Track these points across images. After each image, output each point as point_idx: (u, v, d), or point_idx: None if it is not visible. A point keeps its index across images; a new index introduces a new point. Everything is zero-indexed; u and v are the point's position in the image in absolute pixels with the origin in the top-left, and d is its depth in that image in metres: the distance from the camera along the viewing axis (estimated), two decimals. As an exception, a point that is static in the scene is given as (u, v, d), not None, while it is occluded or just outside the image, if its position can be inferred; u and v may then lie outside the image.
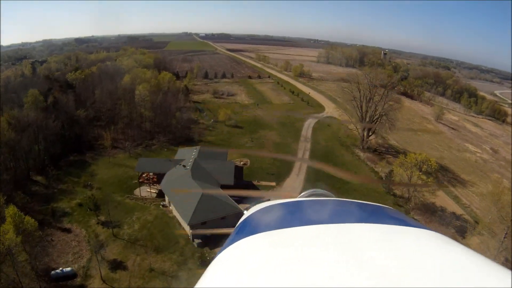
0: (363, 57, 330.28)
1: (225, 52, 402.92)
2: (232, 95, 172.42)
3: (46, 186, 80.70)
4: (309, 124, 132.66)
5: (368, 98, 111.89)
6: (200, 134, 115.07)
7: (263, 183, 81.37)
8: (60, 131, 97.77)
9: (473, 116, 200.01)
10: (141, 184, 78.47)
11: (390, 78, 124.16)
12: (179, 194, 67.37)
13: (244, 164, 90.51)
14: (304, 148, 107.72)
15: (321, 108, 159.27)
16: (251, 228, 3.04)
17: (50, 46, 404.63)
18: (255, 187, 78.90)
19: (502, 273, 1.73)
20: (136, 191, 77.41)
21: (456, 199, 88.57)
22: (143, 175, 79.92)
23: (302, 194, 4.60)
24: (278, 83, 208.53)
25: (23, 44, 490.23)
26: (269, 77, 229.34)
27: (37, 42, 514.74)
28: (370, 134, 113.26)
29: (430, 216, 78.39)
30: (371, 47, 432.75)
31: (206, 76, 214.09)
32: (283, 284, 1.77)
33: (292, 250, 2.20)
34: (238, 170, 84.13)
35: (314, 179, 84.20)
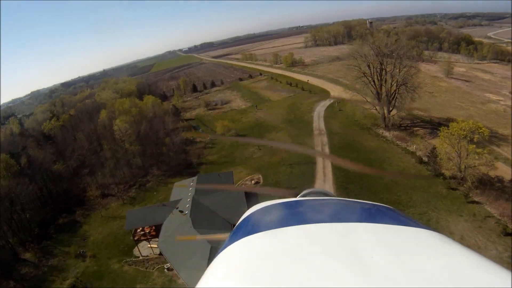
0: (350, 32, 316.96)
1: (211, 60, 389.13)
2: (227, 102, 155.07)
3: (36, 265, 65.51)
4: (318, 114, 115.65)
5: (379, 70, 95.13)
6: (199, 155, 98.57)
7: (283, 204, 64.21)
8: (43, 193, 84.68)
9: (478, 63, 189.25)
10: (137, 241, 61.89)
11: (398, 41, 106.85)
12: (182, 254, 49.61)
13: (257, 182, 73.90)
14: (321, 142, 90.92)
15: (325, 93, 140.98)
16: (251, 227, 3.15)
17: (38, 97, 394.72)
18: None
19: (501, 273, 1.77)
20: (136, 251, 61.26)
21: (507, 162, 72.50)
22: (138, 231, 63.19)
23: (301, 193, 4.96)
24: (272, 78, 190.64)
25: (13, 101, 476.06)
26: (260, 74, 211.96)
27: (25, 95, 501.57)
28: (391, 109, 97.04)
29: (491, 192, 62.32)
30: (353, 20, 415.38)
31: (194, 89, 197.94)
32: (283, 283, 1.81)
33: (291, 249, 2.34)
34: (251, 192, 67.40)
35: (344, 183, 70.20)
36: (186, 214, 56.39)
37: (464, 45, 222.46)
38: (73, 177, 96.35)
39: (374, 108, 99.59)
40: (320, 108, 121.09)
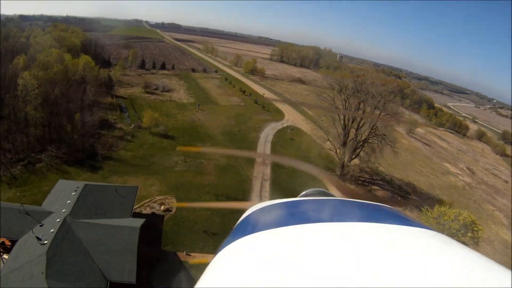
0: (318, 59, 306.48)
1: (172, 41, 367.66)
2: (168, 90, 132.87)
3: None
4: (266, 137, 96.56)
5: (355, 110, 78.03)
6: (111, 146, 76.38)
7: (196, 257, 43.51)
8: None
9: (435, 128, 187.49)
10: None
11: (391, 82, 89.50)
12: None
13: (168, 210, 53.38)
14: (262, 176, 71.25)
15: (279, 114, 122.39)
16: (251, 226, 3.09)
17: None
18: (180, 266, 41.64)
19: (502, 273, 1.78)
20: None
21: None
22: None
23: (302, 193, 4.90)
24: (226, 79, 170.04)
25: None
26: (216, 71, 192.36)
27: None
28: (353, 157, 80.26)
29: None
30: (325, 49, 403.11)
31: (142, 65, 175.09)
32: (283, 282, 1.82)
33: (291, 249, 2.35)
34: (154, 224, 47.56)
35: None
36: (45, 244, 34.55)
37: (425, 107, 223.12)
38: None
39: (334, 150, 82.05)
40: (270, 130, 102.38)
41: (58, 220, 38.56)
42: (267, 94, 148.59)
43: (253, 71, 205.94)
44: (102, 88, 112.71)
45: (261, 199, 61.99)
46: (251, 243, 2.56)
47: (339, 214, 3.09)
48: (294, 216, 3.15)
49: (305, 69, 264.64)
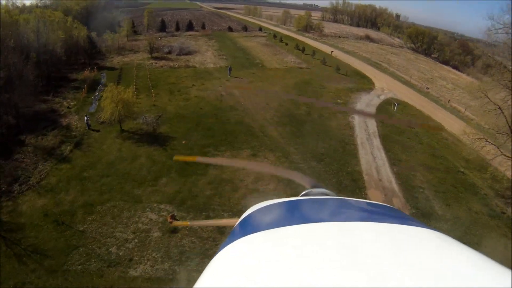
0: (375, 18, 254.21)
1: (210, 9, 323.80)
2: (188, 53, 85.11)
3: None
4: (365, 125, 46.40)
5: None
6: (17, 178, 29.41)
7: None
8: None
9: None
10: None
11: None
12: None
13: None
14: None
15: (364, 79, 72.00)
16: (251, 226, 2.97)
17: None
18: None
19: (502, 272, 1.73)
20: None
21: None
22: None
23: (302, 193, 4.68)
24: (275, 36, 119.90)
25: None
26: (260, 29, 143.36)
27: None
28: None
29: None
30: (380, 8, 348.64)
31: (163, 28, 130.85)
32: (283, 283, 1.76)
33: (292, 249, 2.26)
34: None
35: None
36: None
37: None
38: None
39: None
40: (365, 108, 53.14)
41: None
42: (335, 52, 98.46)
43: (307, 28, 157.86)
44: (77, 59, 74.09)
45: None
46: (251, 243, 2.38)
47: (340, 213, 2.94)
48: (296, 215, 2.95)
49: (364, 29, 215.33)
